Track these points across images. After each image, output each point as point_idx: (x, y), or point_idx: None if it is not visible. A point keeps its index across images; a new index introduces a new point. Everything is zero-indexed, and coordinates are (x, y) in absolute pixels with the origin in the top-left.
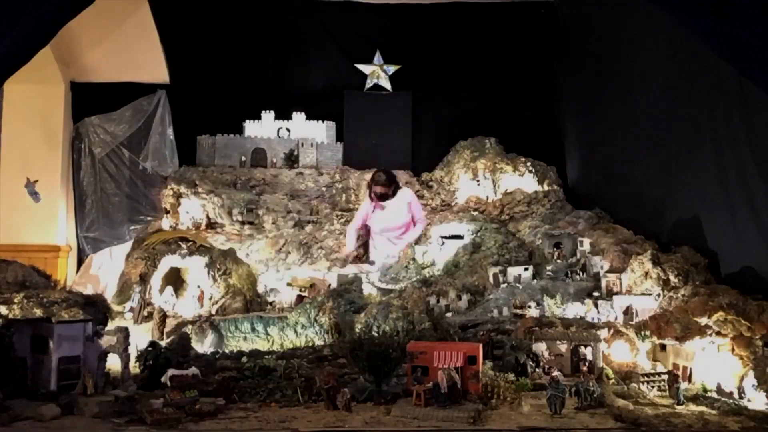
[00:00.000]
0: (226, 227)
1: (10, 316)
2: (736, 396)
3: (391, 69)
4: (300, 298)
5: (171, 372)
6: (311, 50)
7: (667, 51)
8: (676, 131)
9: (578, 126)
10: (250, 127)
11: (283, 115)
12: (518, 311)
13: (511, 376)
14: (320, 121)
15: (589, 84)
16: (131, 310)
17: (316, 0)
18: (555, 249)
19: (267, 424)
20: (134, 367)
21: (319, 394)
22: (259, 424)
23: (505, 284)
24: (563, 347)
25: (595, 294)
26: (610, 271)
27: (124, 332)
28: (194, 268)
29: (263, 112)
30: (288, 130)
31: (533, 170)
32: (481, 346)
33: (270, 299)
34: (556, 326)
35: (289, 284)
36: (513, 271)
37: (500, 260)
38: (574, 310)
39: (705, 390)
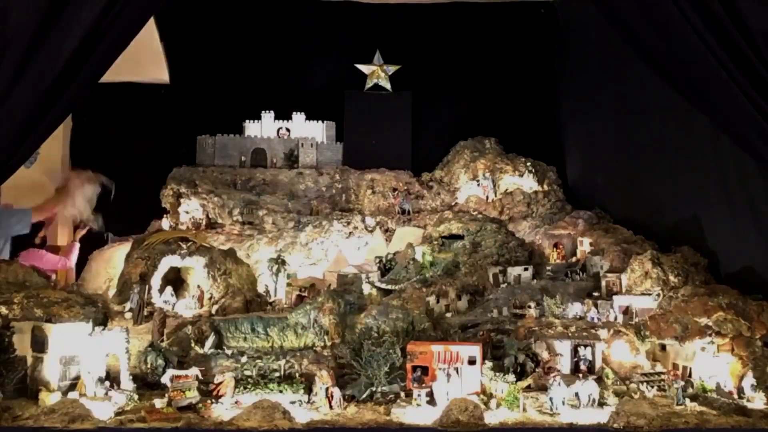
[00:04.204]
0: (226, 227)
1: (10, 316)
2: (735, 395)
3: (391, 69)
4: (300, 298)
5: (171, 372)
6: (311, 50)
7: None
8: (676, 131)
9: (578, 126)
10: (250, 127)
11: (283, 115)
12: (518, 311)
13: (511, 377)
14: (320, 121)
15: (589, 84)
16: (131, 310)
17: (316, 0)
18: (555, 249)
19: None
20: (134, 367)
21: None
22: None
23: (505, 284)
24: (563, 347)
25: (595, 294)
26: (610, 271)
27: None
28: (194, 268)
29: (263, 112)
30: (288, 130)
31: (533, 170)
32: (481, 346)
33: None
34: (555, 326)
35: (289, 284)
36: (513, 271)
37: (500, 260)
38: (574, 310)
39: (705, 390)
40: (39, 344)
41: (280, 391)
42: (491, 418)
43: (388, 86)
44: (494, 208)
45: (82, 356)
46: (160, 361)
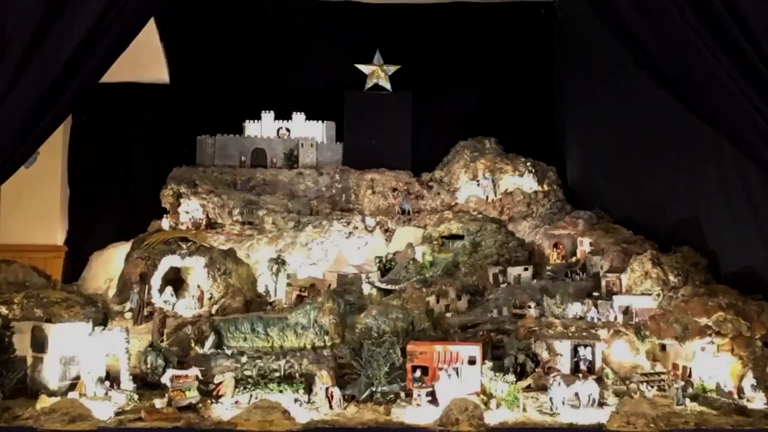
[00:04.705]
0: (226, 227)
1: (10, 316)
2: (735, 395)
3: (391, 69)
4: (300, 298)
5: (171, 372)
6: (311, 50)
7: None
8: (676, 131)
9: (578, 126)
10: (250, 127)
11: (283, 115)
12: (518, 311)
13: (511, 377)
14: (320, 121)
15: (589, 84)
16: (131, 310)
17: (316, 0)
18: (555, 249)
19: None
20: (134, 367)
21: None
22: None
23: (505, 284)
24: (563, 347)
25: (595, 294)
26: (610, 271)
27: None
28: (194, 268)
29: (263, 112)
30: (288, 130)
31: (533, 170)
32: (481, 346)
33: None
34: (555, 326)
35: (289, 284)
36: (513, 271)
37: (500, 260)
38: (574, 310)
39: (705, 390)
40: (39, 344)
41: (280, 391)
42: (491, 418)
43: (388, 86)
44: (494, 208)
45: (82, 356)
46: (160, 361)
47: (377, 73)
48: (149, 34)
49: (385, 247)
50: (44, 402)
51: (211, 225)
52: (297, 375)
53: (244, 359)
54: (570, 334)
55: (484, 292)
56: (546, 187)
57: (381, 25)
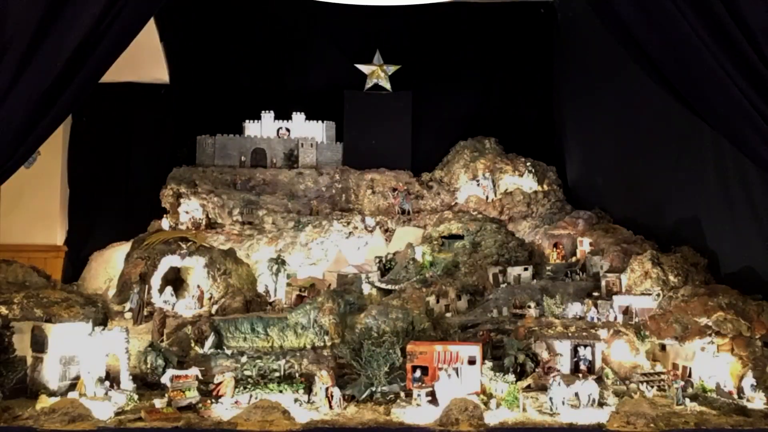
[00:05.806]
0: (226, 227)
1: (10, 316)
2: (735, 395)
3: (391, 69)
4: (300, 298)
5: (171, 372)
6: (311, 50)
7: None
8: (676, 131)
9: (578, 126)
10: (250, 127)
11: (283, 115)
12: (518, 311)
13: (511, 377)
14: (320, 121)
15: (589, 83)
16: (131, 310)
17: (317, 1)
18: (555, 249)
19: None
20: (134, 367)
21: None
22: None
23: (505, 284)
24: (563, 347)
25: (595, 294)
26: (610, 271)
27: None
28: (194, 268)
29: (263, 112)
30: (288, 130)
31: (533, 170)
32: (481, 346)
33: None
34: (555, 326)
35: (289, 284)
36: (513, 271)
37: (500, 260)
38: (574, 310)
39: (705, 390)
40: (39, 344)
41: (280, 391)
42: (491, 418)
43: (388, 86)
44: (494, 208)
45: (82, 356)
46: (160, 361)
47: (377, 73)
48: (149, 34)
49: (385, 247)
50: (44, 402)
51: (211, 225)
52: (297, 375)
53: (244, 359)
54: (570, 334)
55: (484, 292)
56: (546, 187)
57: (381, 25)
